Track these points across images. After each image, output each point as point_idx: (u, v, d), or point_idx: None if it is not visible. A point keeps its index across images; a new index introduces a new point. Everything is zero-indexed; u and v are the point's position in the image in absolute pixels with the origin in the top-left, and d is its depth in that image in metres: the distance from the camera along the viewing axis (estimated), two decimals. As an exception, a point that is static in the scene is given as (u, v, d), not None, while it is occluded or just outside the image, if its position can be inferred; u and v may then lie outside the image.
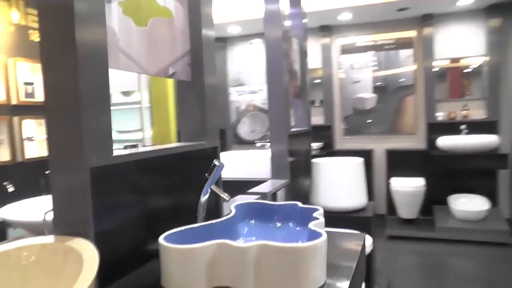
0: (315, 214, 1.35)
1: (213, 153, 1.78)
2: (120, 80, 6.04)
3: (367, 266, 2.81)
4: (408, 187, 4.51)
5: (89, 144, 1.10)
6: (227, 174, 3.03)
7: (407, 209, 4.61)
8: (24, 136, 3.44)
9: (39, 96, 3.56)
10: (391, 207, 4.85)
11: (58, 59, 1.10)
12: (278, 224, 1.51)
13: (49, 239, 1.09)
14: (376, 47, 5.17)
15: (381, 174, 5.15)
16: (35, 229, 1.93)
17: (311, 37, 5.38)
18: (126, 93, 5.39)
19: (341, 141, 5.38)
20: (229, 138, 5.76)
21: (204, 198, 1.38)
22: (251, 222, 1.53)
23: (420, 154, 4.87)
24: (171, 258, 1.09)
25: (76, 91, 1.08)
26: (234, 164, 3.07)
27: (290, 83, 3.17)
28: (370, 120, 5.18)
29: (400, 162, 4.91)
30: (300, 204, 1.48)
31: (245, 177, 2.97)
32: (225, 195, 1.36)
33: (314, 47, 5.39)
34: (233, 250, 1.07)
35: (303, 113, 3.58)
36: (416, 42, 5.00)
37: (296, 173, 3.08)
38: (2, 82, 3.21)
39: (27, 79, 3.45)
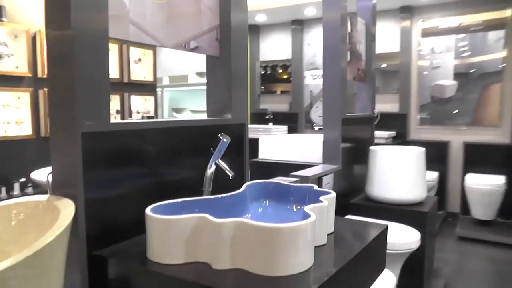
0: (322, 198, 1.27)
1: (241, 130, 1.75)
2: (195, 61, 6.22)
3: (415, 262, 2.63)
4: (485, 185, 4.12)
5: (82, 109, 1.13)
6: (279, 156, 3.01)
7: (482, 209, 4.23)
8: (132, 109, 4.07)
9: (145, 76, 3.92)
10: (466, 206, 4.48)
11: (58, 23, 1.13)
12: (296, 207, 1.45)
13: (43, 198, 1.15)
14: (461, 30, 4.75)
15: (456, 169, 4.77)
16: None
17: (389, 20, 5.09)
18: (201, 74, 5.52)
19: (416, 131, 5.06)
20: (301, 123, 5.67)
21: (209, 172, 1.36)
22: (265, 202, 1.49)
23: (503, 149, 4.42)
24: (152, 228, 1.09)
25: (71, 57, 1.11)
26: (289, 147, 3.02)
27: (352, 66, 3.02)
28: (453, 110, 4.80)
29: (479, 157, 4.50)
30: (315, 186, 1.41)
31: (297, 160, 2.92)
32: (229, 171, 1.33)
33: (392, 30, 5.10)
34: (211, 226, 1.04)
35: (367, 98, 3.41)
36: (509, 23, 4.51)
37: (351, 160, 2.95)
38: (116, 63, 3.58)
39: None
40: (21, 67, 3.10)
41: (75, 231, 1.12)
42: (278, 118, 5.65)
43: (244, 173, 1.77)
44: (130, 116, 4.05)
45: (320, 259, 1.10)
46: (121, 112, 3.99)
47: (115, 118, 3.90)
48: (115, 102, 3.91)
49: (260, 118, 5.82)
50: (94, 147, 1.16)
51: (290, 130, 5.10)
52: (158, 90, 5.92)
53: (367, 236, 1.31)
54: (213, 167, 1.36)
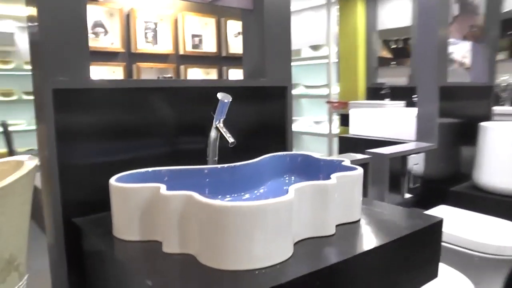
0: (334, 175, 0.99)
1: (281, 94, 1.50)
2: (309, 35, 5.94)
3: None
4: None
5: (53, 64, 1.02)
6: (371, 131, 2.65)
7: None
8: None
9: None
10: None
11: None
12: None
13: (24, 157, 1.09)
14: None
15: None
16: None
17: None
18: (314, 47, 5.26)
19: None
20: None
21: (211, 137, 1.16)
22: (288, 178, 1.25)
23: None
24: (112, 198, 0.94)
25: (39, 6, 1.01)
26: (382, 122, 2.64)
27: (461, 21, 2.49)
28: None
29: None
30: (346, 161, 1.12)
31: (391, 137, 2.53)
32: (229, 137, 1.11)
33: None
34: (161, 199, 0.85)
35: (483, 63, 2.78)
36: None
37: (454, 139, 2.45)
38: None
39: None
40: (115, 43, 3.23)
41: (50, 195, 1.04)
42: (396, 93, 5.11)
43: (287, 145, 1.53)
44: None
45: (311, 253, 0.84)
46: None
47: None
48: (212, 76, 3.89)
49: (377, 93, 5.34)
50: (69, 105, 1.05)
51: (409, 106, 4.56)
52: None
53: (402, 228, 0.98)
54: (215, 132, 1.15)
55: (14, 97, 5.99)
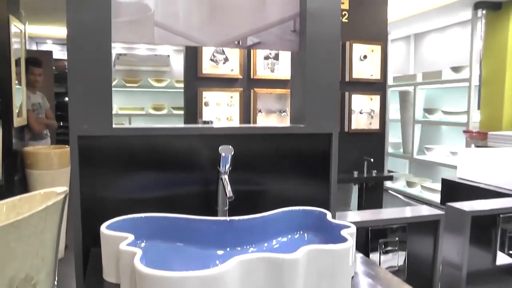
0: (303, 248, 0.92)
1: (323, 142, 1.43)
2: (451, 54, 5.41)
3: None
4: None
5: (78, 112, 1.15)
6: (483, 177, 2.30)
7: None
8: (354, 109, 3.94)
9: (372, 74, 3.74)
10: None
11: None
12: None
13: (59, 189, 1.26)
14: None
15: None
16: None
17: None
18: (456, 69, 4.81)
19: None
20: None
21: (219, 189, 1.17)
22: (300, 234, 1.19)
23: None
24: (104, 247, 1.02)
25: (69, 60, 1.15)
26: (500, 166, 2.30)
27: None
28: None
29: None
30: (350, 229, 1.03)
31: (491, 183, 2.20)
32: (228, 191, 1.11)
33: None
34: (120, 254, 0.89)
35: None
36: None
37: None
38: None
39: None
40: (235, 70, 3.40)
41: (73, 225, 1.17)
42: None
43: (329, 198, 1.44)
44: (350, 115, 3.89)
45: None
46: (339, 112, 3.87)
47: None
48: (332, 102, 3.82)
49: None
50: (93, 150, 1.17)
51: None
52: (410, 87, 5.46)
53: None
54: (221, 184, 1.16)
55: (164, 111, 6.76)
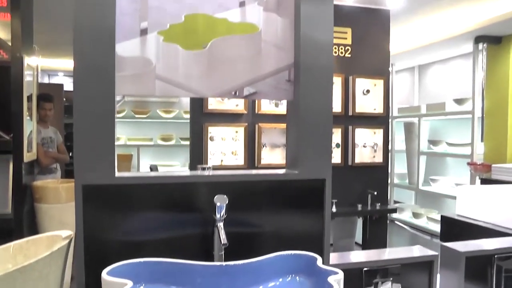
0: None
1: (316, 188, 1.48)
2: (453, 88, 5.48)
3: None
4: None
5: (83, 162, 1.22)
6: (482, 214, 2.32)
7: None
8: (358, 143, 3.99)
9: (375, 108, 3.88)
10: None
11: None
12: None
13: (64, 233, 1.32)
14: None
15: None
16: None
17: None
18: (459, 101, 4.88)
19: None
20: None
21: (214, 236, 1.23)
22: (291, 277, 1.24)
23: None
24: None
25: (75, 113, 1.22)
26: (498, 203, 2.33)
27: None
28: None
29: None
30: (337, 275, 1.08)
31: (489, 220, 2.23)
32: (223, 239, 1.16)
33: None
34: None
35: None
36: None
37: None
38: (339, 95, 3.71)
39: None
40: (240, 105, 3.49)
41: (77, 267, 1.23)
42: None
43: (323, 243, 1.48)
44: (353, 149, 3.94)
45: None
46: (342, 146, 3.93)
47: (332, 152, 3.86)
48: (336, 136, 3.88)
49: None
50: (96, 196, 1.24)
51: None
52: (415, 119, 5.52)
53: None
54: (216, 231, 1.22)
55: (172, 142, 6.87)
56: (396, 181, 6.06)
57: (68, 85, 7.18)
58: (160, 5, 1.34)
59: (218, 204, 1.17)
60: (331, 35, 1.48)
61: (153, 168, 5.44)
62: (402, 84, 6.66)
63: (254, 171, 1.53)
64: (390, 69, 4.92)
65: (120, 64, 1.29)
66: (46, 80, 7.43)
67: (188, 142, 5.77)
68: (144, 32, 1.32)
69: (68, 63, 6.78)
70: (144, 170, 6.71)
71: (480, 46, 4.63)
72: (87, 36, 1.24)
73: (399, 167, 6.09)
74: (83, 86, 1.24)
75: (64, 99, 6.32)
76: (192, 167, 3.61)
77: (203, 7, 1.38)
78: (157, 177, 1.33)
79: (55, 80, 7.58)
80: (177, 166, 6.95)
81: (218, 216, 1.20)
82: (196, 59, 1.36)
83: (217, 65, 1.38)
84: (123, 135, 6.65)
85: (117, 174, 1.27)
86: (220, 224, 1.19)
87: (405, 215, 5.66)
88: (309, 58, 1.45)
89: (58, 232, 1.39)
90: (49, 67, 6.85)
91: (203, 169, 1.47)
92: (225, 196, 1.19)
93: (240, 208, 1.35)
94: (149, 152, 6.95)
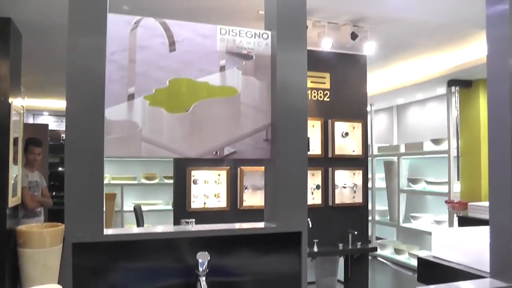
0: None
1: (293, 240, 1.57)
2: (430, 127, 5.69)
3: None
4: None
5: (72, 221, 1.30)
6: (454, 255, 2.42)
7: None
8: (338, 184, 4.08)
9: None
10: None
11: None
12: None
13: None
14: None
15: None
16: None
17: None
18: (436, 141, 5.05)
19: None
20: None
21: (197, 290, 1.30)
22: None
23: None
24: None
25: (66, 175, 1.30)
26: (467, 244, 2.42)
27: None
28: None
29: None
30: None
31: (462, 262, 2.32)
32: (205, 294, 1.23)
33: None
34: None
35: None
36: None
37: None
38: (319, 138, 3.87)
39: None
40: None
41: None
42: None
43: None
44: (333, 190, 4.04)
45: None
46: (323, 187, 4.03)
47: (311, 194, 3.97)
48: (316, 177, 3.99)
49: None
50: (85, 254, 1.30)
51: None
52: (394, 158, 5.68)
53: None
54: (198, 285, 1.29)
55: (156, 180, 6.91)
56: (377, 218, 6.16)
57: (52, 124, 7.22)
58: (146, 71, 1.45)
59: (200, 260, 1.25)
60: (306, 97, 1.60)
61: (136, 208, 5.45)
62: (381, 123, 6.87)
63: (235, 225, 1.62)
64: (369, 109, 5.11)
65: (108, 127, 1.38)
66: (31, 119, 7.46)
67: (171, 181, 5.83)
68: (131, 97, 1.43)
69: (53, 103, 6.85)
70: (127, 209, 6.70)
71: (453, 89, 4.85)
72: (78, 103, 1.33)
73: (380, 204, 6.21)
74: (74, 149, 1.32)
75: (49, 138, 6.35)
76: (176, 210, 3.66)
77: (186, 72, 1.50)
78: (143, 234, 1.41)
79: (40, 119, 7.63)
80: (160, 205, 6.96)
81: (200, 270, 1.27)
82: (179, 121, 1.46)
83: (199, 127, 1.49)
84: (107, 174, 6.67)
85: (105, 231, 1.34)
86: (203, 279, 1.27)
87: (387, 251, 5.74)
88: (285, 118, 1.56)
89: (46, 286, 1.44)
90: (34, 107, 6.90)
91: (187, 223, 1.55)
92: (206, 253, 1.28)
93: (223, 260, 1.43)
94: (133, 190, 6.96)
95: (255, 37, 1.59)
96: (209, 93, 1.51)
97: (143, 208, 6.15)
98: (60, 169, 6.78)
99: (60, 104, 6.74)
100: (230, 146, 1.53)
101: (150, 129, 1.43)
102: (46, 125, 6.10)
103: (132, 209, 6.01)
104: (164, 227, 1.59)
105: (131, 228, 1.50)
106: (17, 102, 3.70)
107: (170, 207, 6.66)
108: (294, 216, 1.56)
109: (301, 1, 1.62)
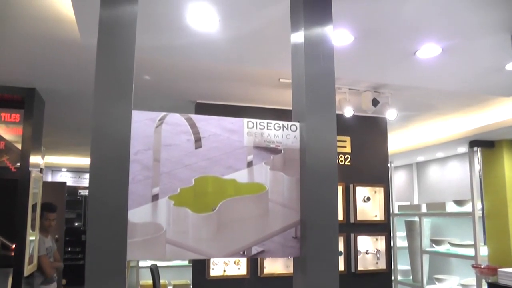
0: None
1: None
2: (452, 186, 5.55)
3: None
4: None
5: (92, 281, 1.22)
6: None
7: None
8: (360, 249, 3.96)
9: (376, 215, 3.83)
10: None
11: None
12: None
13: None
14: None
15: None
16: None
17: None
18: (459, 203, 4.91)
19: None
20: None
21: None
22: None
23: None
24: None
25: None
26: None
27: None
28: None
29: None
30: None
31: None
32: None
33: None
34: None
35: None
36: None
37: None
38: (340, 203, 3.74)
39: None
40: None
41: None
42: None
43: None
44: (356, 256, 3.91)
45: None
46: (345, 253, 3.90)
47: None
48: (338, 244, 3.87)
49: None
50: None
51: None
52: (415, 218, 5.52)
53: None
54: None
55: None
56: (399, 278, 5.93)
57: (70, 180, 7.25)
58: (171, 170, 1.41)
59: None
60: (336, 191, 1.54)
61: (153, 268, 5.32)
62: (401, 180, 6.74)
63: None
64: (388, 165, 5.01)
65: (131, 230, 1.33)
66: (49, 175, 7.51)
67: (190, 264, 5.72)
68: (155, 197, 1.38)
69: (71, 160, 6.90)
70: (143, 265, 6.57)
71: (475, 149, 4.76)
72: (100, 207, 1.29)
73: (402, 264, 5.99)
74: (95, 254, 1.26)
75: (66, 194, 6.35)
76: (194, 278, 3.55)
77: (212, 169, 1.45)
78: None
79: (57, 175, 7.67)
80: (177, 261, 6.81)
81: None
82: (205, 221, 1.40)
83: (226, 226, 1.42)
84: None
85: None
86: None
87: (412, 316, 5.49)
88: (315, 215, 1.49)
89: None
90: (52, 164, 6.96)
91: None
92: None
93: None
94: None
95: (283, 129, 1.55)
96: (236, 191, 1.46)
97: (159, 264, 6.02)
98: (76, 224, 6.74)
99: (78, 161, 6.79)
100: (258, 245, 1.46)
101: (175, 230, 1.37)
102: (64, 183, 6.10)
103: (148, 265, 5.89)
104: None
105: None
106: (37, 163, 3.70)
107: (187, 262, 6.49)
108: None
109: (330, 91, 1.59)
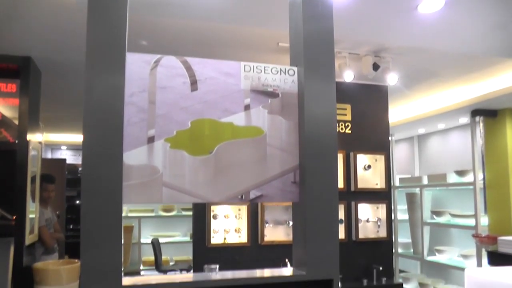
0: None
1: (326, 286, 1.45)
2: (453, 158, 5.52)
3: None
4: None
5: (89, 278, 1.21)
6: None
7: None
8: (361, 218, 3.94)
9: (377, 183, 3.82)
10: None
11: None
12: None
13: None
14: None
15: None
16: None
17: None
18: (460, 173, 4.88)
19: None
20: None
21: None
22: None
23: None
24: None
25: (82, 225, 1.23)
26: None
27: None
28: None
29: None
30: None
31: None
32: None
33: None
34: None
35: None
36: None
37: None
38: (340, 171, 3.77)
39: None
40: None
41: None
42: None
43: None
44: (357, 224, 3.90)
45: None
46: (346, 222, 3.89)
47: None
48: (339, 211, 3.86)
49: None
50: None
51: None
52: (417, 189, 5.50)
53: None
54: None
55: (173, 212, 6.81)
56: (400, 250, 5.94)
57: (70, 158, 7.23)
58: (167, 113, 1.38)
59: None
60: (335, 135, 1.51)
61: (154, 242, 5.36)
62: (402, 153, 6.72)
63: (262, 272, 1.50)
64: (389, 138, 4.98)
65: (127, 173, 1.30)
66: (49, 154, 7.49)
67: (190, 213, 5.71)
68: (151, 139, 1.35)
69: (71, 137, 6.88)
70: (145, 241, 6.61)
71: (477, 119, 4.71)
72: (94, 148, 1.27)
73: (402, 236, 6.00)
74: (90, 198, 1.25)
75: (67, 172, 6.34)
76: (195, 245, 3.54)
77: (209, 112, 1.42)
78: (162, 284, 1.31)
79: (58, 153, 7.65)
80: (178, 237, 6.86)
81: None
82: (202, 165, 1.38)
83: (223, 170, 1.40)
84: (124, 206, 6.61)
85: (123, 281, 1.25)
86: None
87: (411, 286, 5.50)
88: (314, 159, 1.47)
89: None
90: (52, 141, 6.93)
91: (210, 269, 1.45)
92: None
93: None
94: (150, 222, 6.88)
95: (280, 73, 1.52)
96: (233, 134, 1.43)
97: (161, 240, 6.06)
98: (77, 202, 6.74)
99: (78, 138, 6.76)
100: (256, 190, 1.44)
101: (171, 173, 1.35)
102: (64, 160, 6.08)
103: (150, 241, 5.92)
104: (184, 275, 1.49)
105: (150, 277, 1.40)
106: (35, 138, 3.68)
107: (188, 238, 6.54)
108: (325, 263, 1.45)
109: (328, 33, 1.56)
